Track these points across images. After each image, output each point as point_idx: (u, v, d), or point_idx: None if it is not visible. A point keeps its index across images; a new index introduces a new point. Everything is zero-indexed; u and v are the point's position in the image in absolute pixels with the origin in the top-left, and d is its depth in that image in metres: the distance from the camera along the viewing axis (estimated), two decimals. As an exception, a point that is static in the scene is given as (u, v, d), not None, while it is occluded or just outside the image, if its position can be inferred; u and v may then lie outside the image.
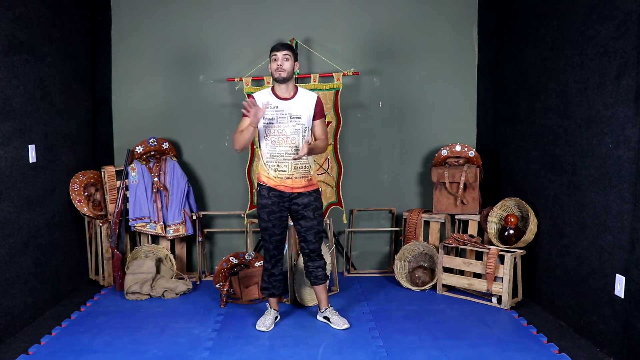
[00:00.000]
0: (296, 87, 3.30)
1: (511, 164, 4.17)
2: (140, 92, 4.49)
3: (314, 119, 3.29)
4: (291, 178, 3.23)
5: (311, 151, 3.18)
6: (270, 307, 3.48)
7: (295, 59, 3.25)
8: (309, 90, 3.34)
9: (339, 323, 3.37)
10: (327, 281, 3.50)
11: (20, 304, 3.36)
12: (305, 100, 3.26)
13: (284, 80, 3.19)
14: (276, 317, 3.45)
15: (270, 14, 4.41)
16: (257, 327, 3.36)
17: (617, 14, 2.86)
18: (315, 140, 3.33)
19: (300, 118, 3.21)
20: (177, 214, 4.27)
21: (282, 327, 3.42)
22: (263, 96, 3.25)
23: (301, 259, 3.77)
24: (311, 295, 3.79)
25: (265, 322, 3.36)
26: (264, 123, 3.21)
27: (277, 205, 3.27)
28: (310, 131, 3.29)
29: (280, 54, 3.17)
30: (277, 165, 3.22)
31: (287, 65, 3.17)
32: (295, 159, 3.17)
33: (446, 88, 4.49)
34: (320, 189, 3.42)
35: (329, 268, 3.80)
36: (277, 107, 3.21)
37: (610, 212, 2.94)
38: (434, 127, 4.52)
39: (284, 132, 3.20)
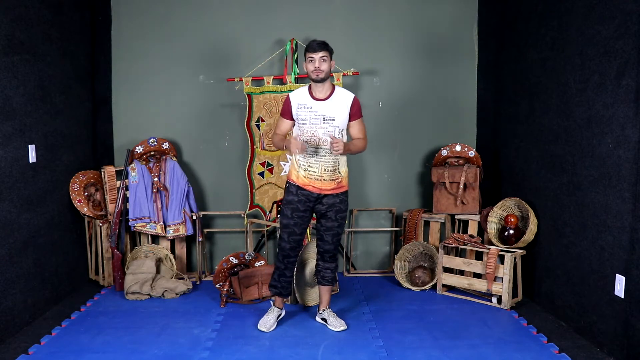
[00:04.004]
0: (333, 87, 3.22)
1: (511, 164, 4.17)
2: (140, 92, 4.49)
3: (350, 120, 3.22)
4: (320, 180, 3.18)
5: (348, 149, 3.11)
6: (274, 305, 3.43)
7: (332, 58, 3.19)
8: (346, 91, 3.25)
9: (336, 325, 3.35)
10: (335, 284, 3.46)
11: (20, 304, 3.36)
12: (341, 101, 3.19)
13: (321, 81, 3.15)
14: (279, 315, 3.42)
15: (270, 14, 4.41)
16: (258, 327, 3.34)
17: (617, 14, 2.86)
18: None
19: (333, 120, 3.16)
20: (177, 214, 4.27)
21: (282, 327, 3.41)
22: (299, 96, 3.21)
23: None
24: (312, 296, 3.78)
25: (267, 323, 3.34)
26: (297, 123, 3.20)
27: (303, 204, 3.22)
28: (344, 132, 3.23)
29: (317, 56, 3.12)
30: (308, 165, 3.18)
31: (325, 67, 3.12)
32: (331, 149, 3.06)
33: (446, 88, 4.49)
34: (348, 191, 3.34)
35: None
36: (312, 107, 3.16)
37: (610, 212, 2.94)
38: (434, 127, 4.52)
39: (316, 134, 3.15)
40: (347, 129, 3.26)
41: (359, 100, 3.27)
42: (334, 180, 3.22)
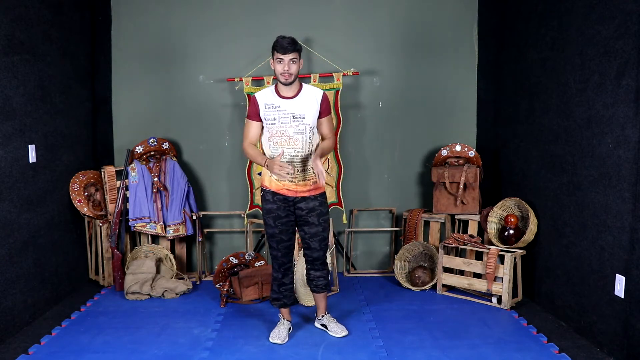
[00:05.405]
0: (300, 84, 3.08)
1: (511, 164, 4.17)
2: (140, 92, 4.49)
3: (319, 117, 3.07)
4: (294, 182, 3.05)
5: (321, 156, 3.01)
6: (283, 318, 3.30)
7: (301, 57, 3.03)
8: (313, 87, 3.14)
9: (337, 331, 3.28)
10: (328, 290, 3.38)
11: (20, 304, 3.36)
12: (310, 97, 3.05)
13: (289, 84, 3.01)
14: (289, 329, 3.29)
15: (270, 14, 4.41)
16: (271, 340, 3.18)
17: (617, 14, 2.86)
18: (322, 139, 3.12)
19: (304, 117, 3.01)
20: (177, 214, 4.27)
21: (282, 327, 3.41)
22: (266, 96, 3.07)
23: (299, 263, 3.76)
24: (310, 295, 3.78)
25: (280, 335, 3.19)
26: (266, 123, 3.06)
27: (283, 210, 3.09)
28: (315, 130, 3.08)
29: (287, 58, 2.95)
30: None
31: (294, 69, 2.97)
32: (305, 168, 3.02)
33: (446, 88, 4.49)
34: (326, 192, 3.24)
35: (329, 268, 3.78)
36: (280, 106, 3.02)
37: (610, 212, 2.94)
38: (434, 127, 4.52)
39: (286, 133, 3.01)
40: (317, 127, 3.10)
41: (328, 97, 3.13)
42: (308, 180, 3.08)
